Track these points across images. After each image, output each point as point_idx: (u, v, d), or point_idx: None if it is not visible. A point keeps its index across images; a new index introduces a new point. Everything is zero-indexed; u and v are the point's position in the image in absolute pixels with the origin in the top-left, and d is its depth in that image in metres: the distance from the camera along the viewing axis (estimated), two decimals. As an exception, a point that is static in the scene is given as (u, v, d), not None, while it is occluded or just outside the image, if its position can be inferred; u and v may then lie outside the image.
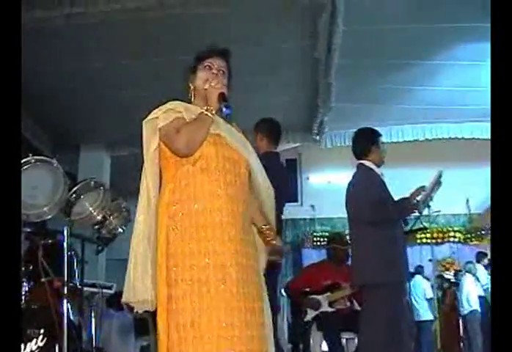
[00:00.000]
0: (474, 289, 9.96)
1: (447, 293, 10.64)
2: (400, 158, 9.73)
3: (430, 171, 5.76)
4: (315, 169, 12.80)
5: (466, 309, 9.87)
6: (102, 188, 4.30)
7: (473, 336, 9.73)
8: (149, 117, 2.53)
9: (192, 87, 2.66)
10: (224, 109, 2.51)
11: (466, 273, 10.21)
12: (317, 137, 9.67)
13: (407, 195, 4.40)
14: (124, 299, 2.44)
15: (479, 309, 9.83)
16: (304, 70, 7.32)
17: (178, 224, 2.39)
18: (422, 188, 4.41)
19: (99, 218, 4.20)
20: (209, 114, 2.47)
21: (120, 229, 4.34)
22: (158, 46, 6.41)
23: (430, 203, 5.09)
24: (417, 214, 4.96)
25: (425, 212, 5.19)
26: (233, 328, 2.26)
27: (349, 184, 4.44)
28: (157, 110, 2.55)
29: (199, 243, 2.36)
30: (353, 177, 4.49)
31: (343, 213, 4.53)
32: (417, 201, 4.36)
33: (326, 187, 12.26)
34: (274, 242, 2.66)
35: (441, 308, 10.43)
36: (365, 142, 4.49)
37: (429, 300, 9.57)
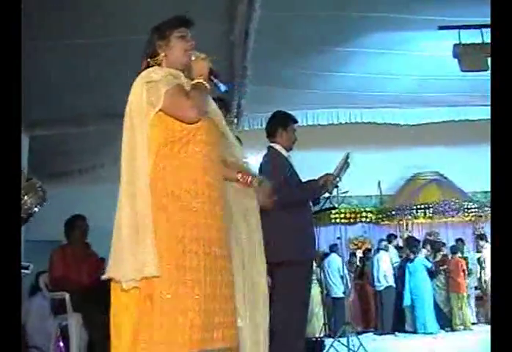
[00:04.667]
0: (389, 266, 10.34)
1: (362, 270, 11.01)
2: (315, 141, 9.98)
3: (343, 153, 5.95)
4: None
5: (382, 284, 10.24)
6: (16, 167, 4.22)
7: (387, 310, 10.14)
8: (148, 79, 2.43)
9: (163, 54, 2.59)
10: (221, 85, 2.57)
11: (381, 251, 10.57)
12: (235, 119, 9.74)
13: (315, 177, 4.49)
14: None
15: (394, 285, 10.24)
16: (220, 54, 7.33)
17: (162, 191, 2.34)
18: (330, 175, 4.46)
19: (13, 197, 4.12)
20: (207, 85, 2.51)
21: (36, 209, 4.27)
22: (84, 26, 6.26)
23: (339, 184, 5.26)
24: (326, 195, 5.12)
25: (334, 192, 5.36)
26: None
27: (259, 166, 4.45)
28: (153, 73, 2.45)
29: (180, 212, 2.33)
30: (262, 158, 4.53)
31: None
32: (324, 184, 4.42)
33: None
34: (256, 183, 2.73)
35: (357, 284, 10.82)
36: (276, 125, 4.54)
37: (341, 277, 9.88)
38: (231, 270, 2.48)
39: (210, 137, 2.50)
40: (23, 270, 5.42)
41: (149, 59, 2.59)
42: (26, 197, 4.21)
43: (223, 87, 2.58)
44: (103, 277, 2.28)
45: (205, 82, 2.51)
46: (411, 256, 10.22)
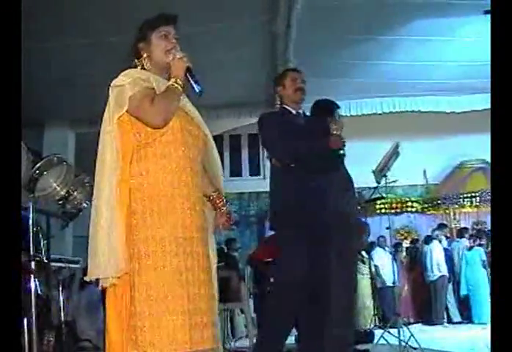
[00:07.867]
0: (442, 255, 10.13)
1: (411, 260, 10.82)
2: (359, 131, 9.82)
3: (388, 143, 5.85)
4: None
5: (435, 274, 10.05)
6: (65, 163, 4.25)
7: (440, 300, 9.96)
8: (116, 83, 2.39)
9: (145, 55, 2.53)
10: (195, 86, 2.47)
11: (434, 240, 10.35)
12: (279, 111, 9.65)
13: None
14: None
15: (447, 275, 10.05)
16: (263, 46, 7.29)
17: (140, 196, 2.33)
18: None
19: (63, 193, 4.16)
20: (179, 87, 2.42)
21: (84, 204, 4.31)
22: (117, 24, 6.27)
23: (388, 173, 5.18)
24: (374, 185, 5.05)
25: (382, 182, 5.29)
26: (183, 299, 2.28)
27: None
28: (123, 77, 2.41)
29: (158, 215, 2.33)
30: None
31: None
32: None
33: (288, 160, 12.30)
34: (224, 208, 2.68)
35: (406, 274, 10.62)
36: (322, 113, 4.46)
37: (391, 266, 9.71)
38: (211, 268, 2.47)
39: (184, 137, 2.44)
40: (73, 265, 5.50)
41: (135, 60, 2.56)
42: (75, 193, 4.25)
43: (197, 88, 2.48)
44: (86, 279, 2.29)
45: (177, 84, 2.42)
46: (468, 245, 10.04)
